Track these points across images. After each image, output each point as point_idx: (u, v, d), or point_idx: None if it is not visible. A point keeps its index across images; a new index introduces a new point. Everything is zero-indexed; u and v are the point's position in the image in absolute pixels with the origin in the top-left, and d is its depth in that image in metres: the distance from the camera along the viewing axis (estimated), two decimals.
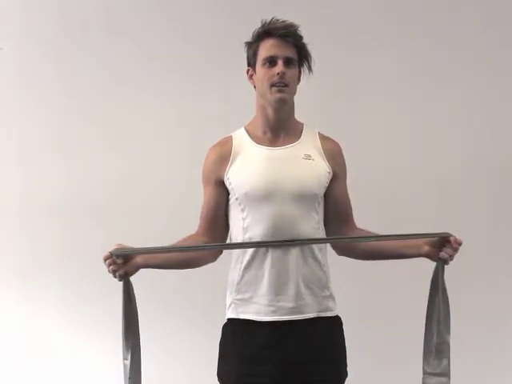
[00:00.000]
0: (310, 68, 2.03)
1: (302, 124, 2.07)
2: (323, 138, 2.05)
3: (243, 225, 1.96)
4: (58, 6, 3.53)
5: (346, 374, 2.03)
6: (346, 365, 2.03)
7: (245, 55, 2.03)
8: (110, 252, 1.86)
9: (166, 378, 3.27)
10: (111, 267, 1.86)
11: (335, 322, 2.03)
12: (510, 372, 3.33)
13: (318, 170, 1.98)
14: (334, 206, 2.03)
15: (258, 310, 1.94)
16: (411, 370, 3.29)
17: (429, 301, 1.99)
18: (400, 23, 3.43)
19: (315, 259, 1.96)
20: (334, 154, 2.04)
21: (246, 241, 1.95)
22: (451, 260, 1.95)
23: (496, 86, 3.41)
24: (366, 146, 3.33)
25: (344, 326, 2.05)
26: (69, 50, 3.51)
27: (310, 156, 1.98)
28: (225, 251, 2.06)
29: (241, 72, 2.08)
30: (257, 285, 1.94)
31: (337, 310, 2.03)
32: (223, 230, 2.05)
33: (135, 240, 3.39)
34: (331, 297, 2.02)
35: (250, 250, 1.94)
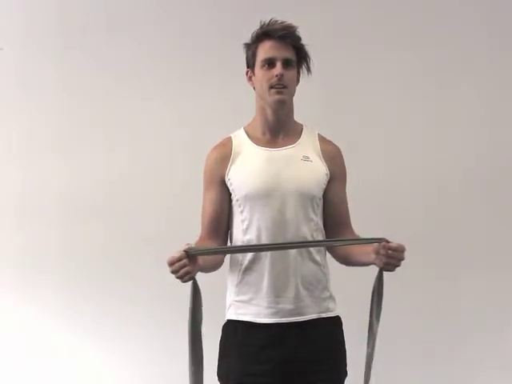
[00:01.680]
0: (308, 69, 2.03)
1: (302, 125, 2.07)
2: (323, 140, 2.05)
3: (242, 226, 1.96)
4: (57, 6, 3.53)
5: (345, 374, 2.03)
6: (345, 365, 2.04)
7: (244, 56, 2.03)
8: (186, 251, 1.73)
9: (166, 377, 3.28)
10: (185, 269, 1.72)
11: (335, 323, 2.03)
12: (510, 372, 3.33)
13: (316, 172, 1.98)
14: (329, 208, 2.03)
15: (257, 312, 1.94)
16: (411, 369, 3.32)
17: (370, 305, 1.91)
18: (400, 23, 3.43)
19: (314, 261, 1.96)
20: (332, 156, 2.03)
21: (245, 242, 1.95)
22: (388, 268, 1.80)
23: (496, 86, 3.41)
24: (365, 146, 3.33)
25: (344, 326, 2.05)
26: (69, 50, 3.51)
27: (308, 157, 1.98)
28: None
29: (240, 73, 2.08)
30: (256, 286, 1.94)
31: (337, 310, 2.04)
32: (226, 234, 2.04)
33: (135, 240, 3.42)
34: (331, 297, 2.02)
35: (250, 252, 1.93)
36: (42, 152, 3.50)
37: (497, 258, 3.35)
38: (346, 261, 2.03)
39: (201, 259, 1.78)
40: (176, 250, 1.73)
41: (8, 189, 3.49)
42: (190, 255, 1.72)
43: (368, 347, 1.90)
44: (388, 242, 1.78)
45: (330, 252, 2.07)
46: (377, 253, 1.81)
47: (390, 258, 1.78)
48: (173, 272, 1.73)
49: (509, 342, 3.35)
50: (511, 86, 3.42)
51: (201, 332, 1.82)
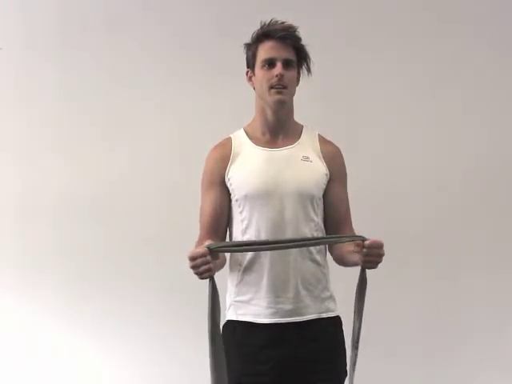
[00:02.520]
0: (308, 69, 2.03)
1: (302, 125, 2.07)
2: (323, 141, 2.05)
3: (242, 226, 1.96)
4: (57, 6, 3.53)
5: (345, 374, 2.03)
6: (345, 365, 2.03)
7: (244, 56, 2.03)
8: (208, 247, 1.70)
9: (166, 378, 3.28)
10: (207, 266, 1.69)
11: (335, 323, 2.03)
12: (510, 372, 3.33)
13: (316, 172, 1.98)
14: (329, 208, 2.03)
15: (257, 312, 1.94)
16: (411, 369, 3.32)
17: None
18: (400, 23, 3.44)
19: (314, 261, 1.96)
20: (332, 157, 2.03)
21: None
22: (368, 265, 1.80)
23: (496, 85, 3.41)
24: (365, 146, 3.33)
25: (344, 326, 2.05)
26: (69, 50, 3.52)
27: (308, 158, 1.98)
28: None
29: (240, 73, 2.08)
30: (256, 287, 1.94)
31: (337, 310, 2.03)
32: (225, 234, 2.04)
33: (135, 240, 3.42)
34: (331, 298, 2.02)
35: (250, 252, 1.93)
36: (41, 152, 3.50)
37: (497, 258, 3.35)
38: (341, 261, 2.03)
39: (219, 260, 1.79)
40: (200, 246, 1.71)
41: (8, 189, 3.49)
42: (213, 251, 1.70)
43: (352, 345, 1.89)
44: (364, 239, 1.78)
45: (330, 253, 2.07)
46: (358, 251, 1.81)
47: (368, 255, 1.78)
48: (193, 267, 1.70)
49: (509, 343, 3.35)
50: (511, 86, 3.42)
51: (220, 333, 1.80)
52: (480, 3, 3.44)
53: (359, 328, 1.88)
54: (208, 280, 1.73)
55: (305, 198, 1.95)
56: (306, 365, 1.92)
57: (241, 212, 1.96)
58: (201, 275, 1.71)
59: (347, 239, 1.84)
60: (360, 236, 1.80)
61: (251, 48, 1.99)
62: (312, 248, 1.95)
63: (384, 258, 1.81)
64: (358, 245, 1.78)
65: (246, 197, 1.94)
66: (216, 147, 2.05)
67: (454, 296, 3.32)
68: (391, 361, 3.29)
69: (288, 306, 1.93)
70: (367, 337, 3.25)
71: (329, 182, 2.01)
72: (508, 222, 3.39)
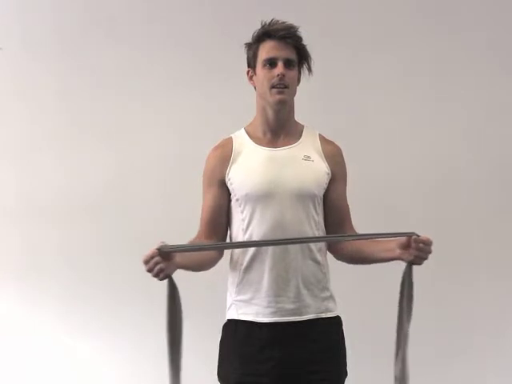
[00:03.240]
0: (309, 69, 2.03)
1: (303, 126, 2.07)
2: (323, 140, 2.06)
3: (243, 225, 1.96)
4: (57, 6, 3.53)
5: (345, 374, 2.03)
6: (345, 365, 2.04)
7: (245, 56, 2.03)
8: (158, 249, 1.71)
9: (166, 378, 3.27)
10: (160, 266, 1.70)
11: (335, 323, 2.03)
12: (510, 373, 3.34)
13: (317, 171, 1.98)
14: (330, 208, 2.03)
15: (258, 311, 1.94)
16: (411, 369, 3.31)
17: (398, 303, 1.90)
18: (400, 23, 3.43)
19: (315, 260, 1.96)
20: (333, 156, 2.04)
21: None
22: (418, 261, 1.83)
23: (496, 85, 3.41)
24: (366, 146, 3.33)
25: (344, 326, 2.05)
26: (69, 50, 3.51)
27: (309, 157, 1.99)
28: (225, 253, 2.05)
29: (241, 73, 2.08)
30: (257, 286, 1.94)
31: (337, 310, 2.04)
32: (224, 234, 2.05)
33: (135, 240, 3.41)
34: (331, 297, 2.02)
35: (251, 252, 1.94)
36: (41, 152, 3.49)
37: (497, 258, 3.35)
38: (355, 258, 2.03)
39: (179, 257, 1.78)
40: (150, 248, 1.73)
41: (6, 189, 3.49)
42: (163, 253, 1.71)
43: (399, 351, 1.91)
44: (418, 235, 1.81)
45: (332, 251, 2.07)
46: (403, 247, 1.83)
47: (421, 251, 1.80)
48: (148, 270, 1.72)
49: (509, 343, 3.35)
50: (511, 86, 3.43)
51: (181, 336, 1.82)
52: (480, 3, 3.44)
53: (407, 328, 1.88)
54: (167, 281, 1.75)
55: (306, 198, 1.95)
56: (306, 365, 1.93)
57: (241, 211, 1.96)
58: (157, 277, 1.73)
59: (395, 235, 1.85)
60: (412, 232, 1.82)
61: (252, 47, 2.00)
62: (313, 247, 1.95)
63: None
64: (415, 240, 1.79)
65: (246, 196, 1.94)
66: (217, 147, 2.05)
67: (455, 296, 3.32)
68: (391, 360, 3.28)
69: (289, 306, 1.93)
70: (367, 337, 3.27)
71: (330, 181, 2.01)
72: (509, 222, 3.38)
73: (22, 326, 3.46)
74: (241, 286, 1.97)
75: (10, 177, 3.49)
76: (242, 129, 2.07)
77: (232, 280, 2.01)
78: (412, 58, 3.41)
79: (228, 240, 2.06)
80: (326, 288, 2.00)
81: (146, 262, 1.71)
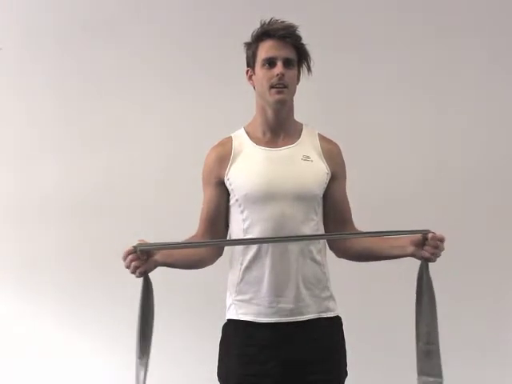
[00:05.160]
0: (309, 68, 2.03)
1: (302, 124, 2.07)
2: (323, 139, 2.06)
3: (243, 226, 1.96)
4: (57, 6, 3.53)
5: (345, 374, 2.03)
6: (345, 364, 2.04)
7: (244, 56, 2.03)
8: (135, 246, 1.78)
9: (166, 378, 3.27)
10: (134, 263, 1.78)
11: (336, 323, 2.04)
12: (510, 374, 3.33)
13: (317, 171, 1.98)
14: (332, 207, 2.03)
15: (258, 312, 1.94)
16: (411, 369, 3.31)
17: (416, 301, 1.94)
18: (400, 22, 3.44)
19: (315, 260, 1.96)
20: (332, 155, 2.04)
21: None
22: (434, 258, 1.89)
23: (497, 85, 3.41)
24: (365, 146, 3.33)
25: (344, 326, 2.05)
26: (68, 51, 3.52)
27: (308, 157, 1.99)
28: (225, 252, 2.05)
29: (240, 73, 2.08)
30: (257, 286, 1.94)
31: (337, 310, 2.04)
32: (223, 233, 2.05)
33: (135, 240, 3.41)
34: (331, 297, 2.02)
35: (251, 252, 1.94)
36: (40, 152, 3.49)
37: (497, 258, 3.35)
38: (364, 256, 2.05)
39: (161, 255, 1.84)
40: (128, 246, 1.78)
41: (5, 190, 3.49)
42: (138, 251, 1.76)
43: (423, 347, 1.93)
44: (433, 233, 1.86)
45: (335, 250, 2.07)
46: (417, 245, 1.88)
47: (437, 248, 1.85)
48: (125, 267, 1.79)
49: (509, 343, 3.35)
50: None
51: (151, 334, 1.88)
52: (480, 3, 3.43)
53: (436, 324, 1.92)
54: (142, 279, 1.81)
55: (306, 198, 1.95)
56: (307, 365, 1.93)
57: (241, 212, 1.96)
58: (134, 274, 1.80)
59: (409, 232, 1.89)
60: (427, 230, 1.87)
61: (251, 47, 1.99)
62: (312, 248, 1.95)
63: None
64: (432, 238, 1.84)
65: (246, 196, 1.94)
66: (216, 146, 2.05)
67: (455, 296, 3.32)
68: (391, 360, 3.28)
69: (289, 306, 1.93)
70: (367, 337, 3.26)
71: (330, 180, 2.01)
72: (509, 222, 3.38)
73: (20, 327, 3.45)
74: (241, 285, 1.97)
75: (9, 177, 3.49)
76: (242, 128, 2.07)
77: (232, 280, 2.01)
78: (412, 57, 3.41)
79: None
80: (326, 288, 2.00)
81: (124, 259, 1.79)
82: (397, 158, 3.40)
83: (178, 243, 1.91)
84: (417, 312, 1.94)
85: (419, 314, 1.93)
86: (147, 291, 1.83)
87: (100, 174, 3.45)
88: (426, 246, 1.87)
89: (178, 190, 3.31)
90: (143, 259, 1.79)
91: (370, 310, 3.23)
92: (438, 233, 1.87)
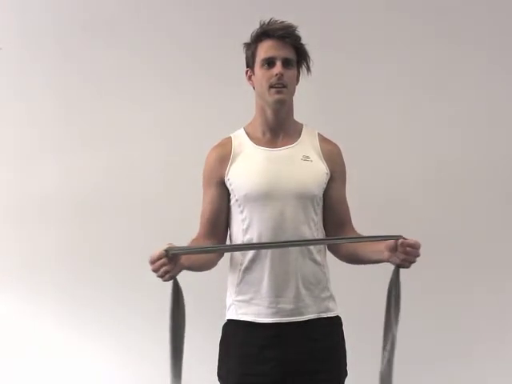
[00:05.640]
0: (308, 68, 2.03)
1: (302, 124, 2.07)
2: (323, 140, 2.06)
3: (243, 226, 1.96)
4: (57, 6, 3.53)
5: (345, 374, 2.03)
6: (345, 364, 2.04)
7: (243, 56, 2.03)
8: (166, 250, 1.71)
9: (166, 378, 3.27)
10: (166, 267, 1.71)
11: (335, 323, 2.04)
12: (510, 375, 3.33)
13: (316, 171, 1.98)
14: (330, 207, 2.03)
15: (258, 312, 1.94)
16: (411, 369, 3.32)
17: (386, 304, 1.89)
18: (400, 23, 3.43)
19: (314, 261, 1.96)
20: (332, 156, 2.04)
21: (245, 242, 1.95)
22: (406, 265, 1.81)
23: (497, 85, 3.41)
24: (366, 145, 3.33)
25: (344, 326, 2.05)
26: (68, 51, 3.51)
27: (308, 157, 1.99)
28: (225, 253, 2.05)
29: (240, 73, 2.08)
30: (257, 286, 1.94)
31: (337, 310, 2.04)
32: (224, 234, 2.05)
33: (134, 241, 3.42)
34: (331, 297, 2.03)
35: (250, 252, 1.94)
36: (39, 152, 3.49)
37: (498, 258, 3.35)
38: (352, 259, 2.03)
39: (185, 259, 1.77)
40: (157, 249, 1.73)
41: (5, 189, 3.48)
42: (170, 254, 1.72)
43: (385, 352, 1.87)
44: (405, 238, 1.79)
45: (331, 251, 2.07)
46: (391, 250, 1.81)
47: (408, 254, 1.78)
48: (153, 271, 1.73)
49: (510, 344, 3.35)
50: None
51: (183, 338, 1.81)
52: (480, 3, 3.43)
53: (395, 330, 1.86)
54: (172, 282, 1.76)
55: (305, 198, 1.95)
56: (306, 365, 1.93)
57: (241, 212, 1.96)
58: (162, 278, 1.74)
59: (382, 238, 1.83)
60: (399, 235, 1.80)
61: (251, 47, 1.99)
62: (312, 247, 1.95)
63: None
64: (401, 244, 1.77)
65: (245, 196, 1.94)
66: (216, 147, 2.05)
67: (456, 296, 3.32)
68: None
69: (289, 306, 1.93)
70: (367, 337, 3.25)
71: (329, 180, 2.01)
72: (509, 221, 3.38)
73: (20, 327, 3.45)
74: (241, 286, 1.97)
75: (9, 177, 3.49)
76: (242, 128, 2.07)
77: (232, 280, 2.01)
78: (412, 58, 3.41)
79: (228, 240, 2.06)
80: (326, 288, 2.00)
81: (152, 263, 1.72)
82: (397, 158, 3.40)
83: (207, 247, 1.91)
84: (385, 315, 1.89)
85: (386, 319, 1.88)
86: (178, 296, 1.77)
87: (100, 173, 3.45)
88: (397, 252, 1.79)
89: (178, 189, 3.31)
90: (173, 263, 1.73)
91: (369, 310, 3.22)
92: (412, 238, 1.79)
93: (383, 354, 1.88)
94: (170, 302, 1.76)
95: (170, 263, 1.71)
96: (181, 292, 1.77)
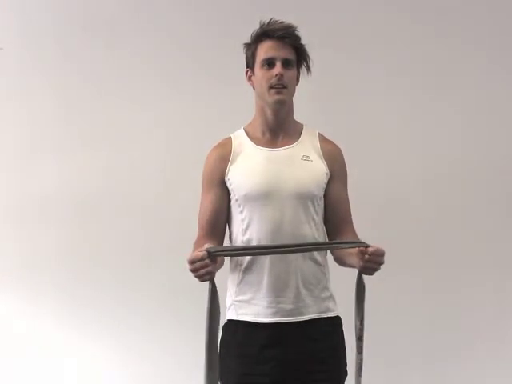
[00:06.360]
0: (308, 69, 2.03)
1: (302, 125, 2.07)
2: (323, 140, 2.06)
3: (242, 225, 1.96)
4: (57, 7, 3.52)
5: (346, 374, 2.03)
6: (345, 364, 2.04)
7: (243, 56, 2.03)
8: (209, 251, 1.72)
9: (166, 378, 3.28)
10: (206, 269, 1.71)
11: (335, 323, 2.03)
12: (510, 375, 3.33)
13: (316, 171, 1.98)
14: (331, 207, 2.03)
15: (258, 312, 1.94)
16: (411, 369, 3.32)
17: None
18: (400, 23, 3.43)
19: (315, 261, 1.96)
20: (332, 156, 2.04)
21: (244, 242, 1.95)
22: (368, 271, 1.81)
23: (497, 86, 3.41)
24: (366, 146, 3.33)
25: (344, 326, 2.05)
26: (68, 51, 3.51)
27: (308, 157, 1.99)
28: None
29: (240, 73, 2.08)
30: (257, 286, 1.94)
31: (337, 310, 2.04)
32: (223, 234, 2.04)
33: (134, 241, 3.42)
34: (331, 297, 2.02)
35: None
36: (40, 152, 3.49)
37: (498, 258, 3.35)
38: (340, 262, 2.03)
39: (218, 260, 1.78)
40: (198, 249, 1.73)
41: (5, 190, 3.48)
42: (212, 255, 1.72)
43: (356, 350, 1.88)
44: (367, 246, 1.78)
45: (330, 252, 2.07)
46: (358, 256, 1.81)
47: (368, 262, 1.78)
48: (193, 270, 1.72)
49: (510, 344, 3.35)
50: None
51: (217, 336, 1.81)
52: (480, 3, 3.43)
53: (361, 331, 1.87)
54: (208, 282, 1.75)
55: (305, 198, 1.95)
56: (306, 365, 1.93)
57: (241, 212, 1.96)
58: (200, 278, 1.73)
59: (349, 245, 1.84)
60: (362, 242, 1.80)
61: (250, 48, 2.00)
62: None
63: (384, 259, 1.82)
64: (360, 251, 1.78)
65: (245, 196, 1.94)
66: (216, 147, 2.05)
67: (454, 296, 3.32)
68: (391, 360, 3.28)
69: (288, 306, 1.93)
70: (367, 337, 3.25)
71: (329, 181, 2.01)
72: (509, 222, 3.38)
73: (20, 327, 3.45)
74: (241, 286, 1.97)
75: (9, 177, 3.49)
76: (242, 129, 2.07)
77: (232, 280, 2.01)
78: (412, 58, 3.41)
79: (227, 240, 2.06)
80: (326, 288, 2.00)
81: (193, 263, 1.71)
82: (397, 158, 3.40)
83: (245, 247, 1.90)
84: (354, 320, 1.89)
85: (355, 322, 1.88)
86: (215, 297, 1.76)
87: (100, 174, 3.44)
88: (360, 260, 1.79)
89: (178, 189, 3.31)
90: (214, 264, 1.73)
91: (369, 310, 3.22)
92: (374, 246, 1.77)
93: (357, 358, 1.88)
94: (207, 301, 1.74)
95: (211, 264, 1.71)
96: (217, 293, 1.76)
